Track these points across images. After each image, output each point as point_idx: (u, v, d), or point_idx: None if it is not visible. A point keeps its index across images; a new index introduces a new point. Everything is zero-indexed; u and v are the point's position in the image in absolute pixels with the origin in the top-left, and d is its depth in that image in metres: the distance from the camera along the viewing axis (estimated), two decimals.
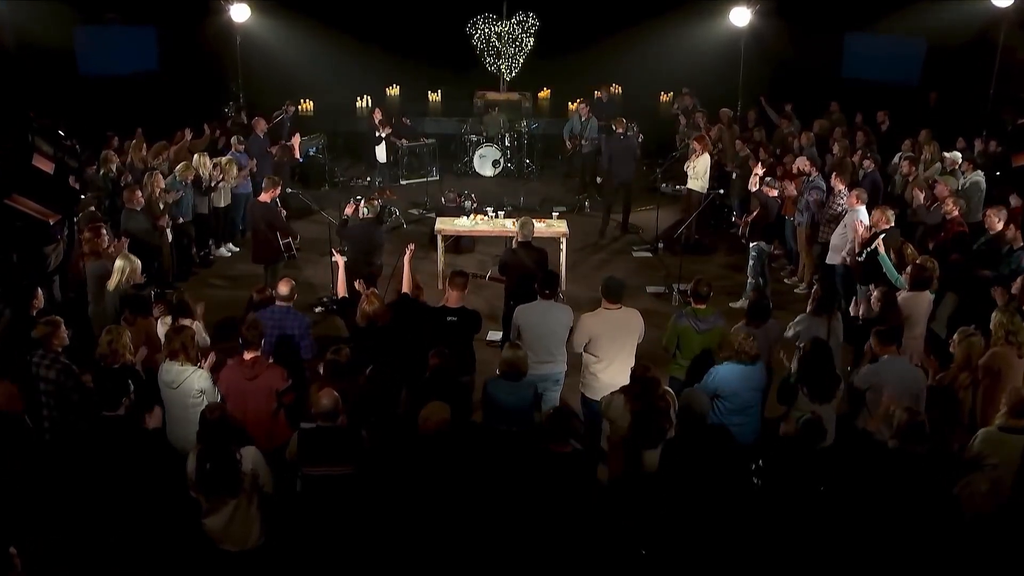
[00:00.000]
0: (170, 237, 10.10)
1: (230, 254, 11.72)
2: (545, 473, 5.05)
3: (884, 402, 5.99)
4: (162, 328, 6.81)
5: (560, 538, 5.05)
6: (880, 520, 5.08)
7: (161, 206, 9.74)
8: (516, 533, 5.10)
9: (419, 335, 6.84)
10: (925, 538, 5.02)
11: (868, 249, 8.32)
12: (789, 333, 7.06)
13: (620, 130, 12.44)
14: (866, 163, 10.93)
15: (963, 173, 10.41)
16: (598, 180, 12.90)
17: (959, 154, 11.01)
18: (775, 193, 9.95)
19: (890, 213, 8.57)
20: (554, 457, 5.07)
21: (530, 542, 5.07)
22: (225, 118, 14.08)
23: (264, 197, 9.59)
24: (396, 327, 6.82)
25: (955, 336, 6.43)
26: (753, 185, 10.16)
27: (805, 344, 6.24)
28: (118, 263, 7.48)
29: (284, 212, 10.36)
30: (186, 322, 6.70)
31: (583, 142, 13.92)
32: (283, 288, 7.03)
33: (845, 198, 9.49)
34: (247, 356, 6.10)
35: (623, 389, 5.95)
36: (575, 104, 16.71)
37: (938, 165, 11.02)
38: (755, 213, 9.95)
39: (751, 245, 9.87)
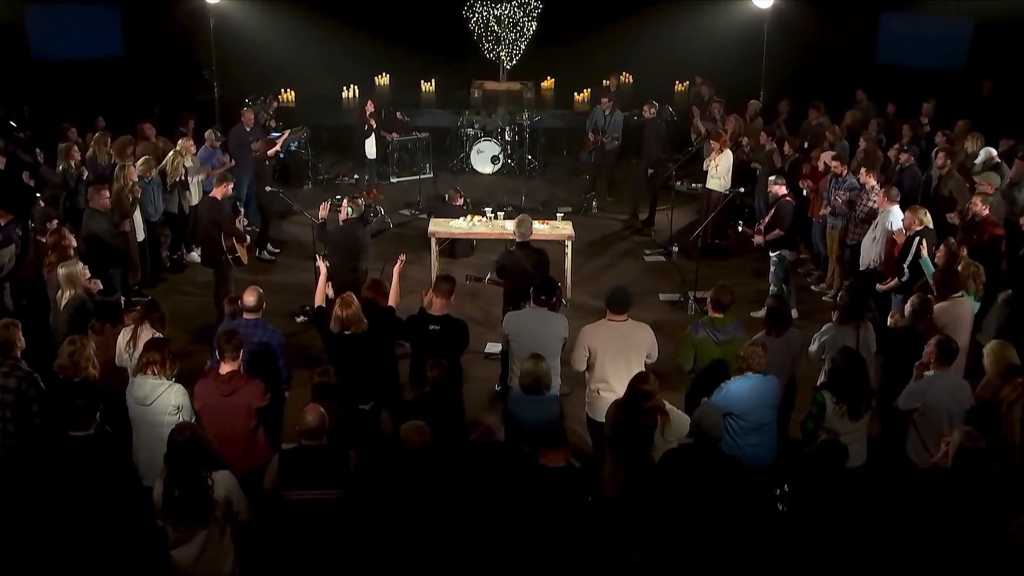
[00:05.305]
0: (140, 237, 10.10)
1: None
2: (538, 489, 5.07)
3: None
4: (123, 338, 6.69)
5: (557, 559, 5.07)
6: (917, 550, 5.06)
7: (130, 199, 9.75)
8: (512, 554, 5.12)
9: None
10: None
11: (908, 260, 8.31)
12: (813, 347, 7.04)
13: (649, 113, 12.69)
14: (903, 157, 10.88)
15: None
16: (649, 172, 12.78)
17: (993, 150, 10.96)
18: (783, 191, 9.92)
19: (922, 213, 8.56)
20: (546, 473, 5.09)
21: (526, 563, 5.10)
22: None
23: (215, 193, 9.59)
24: (372, 337, 6.85)
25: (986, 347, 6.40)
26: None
27: (836, 356, 6.18)
28: (62, 271, 7.24)
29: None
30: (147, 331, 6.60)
31: (605, 138, 13.58)
32: (248, 298, 6.90)
33: (877, 195, 9.49)
34: (223, 370, 6.06)
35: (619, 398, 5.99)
36: (581, 95, 16.75)
37: (978, 162, 10.95)
38: (767, 220, 9.94)
39: (772, 253, 9.90)
